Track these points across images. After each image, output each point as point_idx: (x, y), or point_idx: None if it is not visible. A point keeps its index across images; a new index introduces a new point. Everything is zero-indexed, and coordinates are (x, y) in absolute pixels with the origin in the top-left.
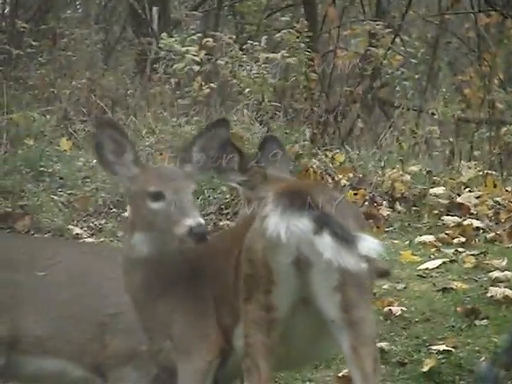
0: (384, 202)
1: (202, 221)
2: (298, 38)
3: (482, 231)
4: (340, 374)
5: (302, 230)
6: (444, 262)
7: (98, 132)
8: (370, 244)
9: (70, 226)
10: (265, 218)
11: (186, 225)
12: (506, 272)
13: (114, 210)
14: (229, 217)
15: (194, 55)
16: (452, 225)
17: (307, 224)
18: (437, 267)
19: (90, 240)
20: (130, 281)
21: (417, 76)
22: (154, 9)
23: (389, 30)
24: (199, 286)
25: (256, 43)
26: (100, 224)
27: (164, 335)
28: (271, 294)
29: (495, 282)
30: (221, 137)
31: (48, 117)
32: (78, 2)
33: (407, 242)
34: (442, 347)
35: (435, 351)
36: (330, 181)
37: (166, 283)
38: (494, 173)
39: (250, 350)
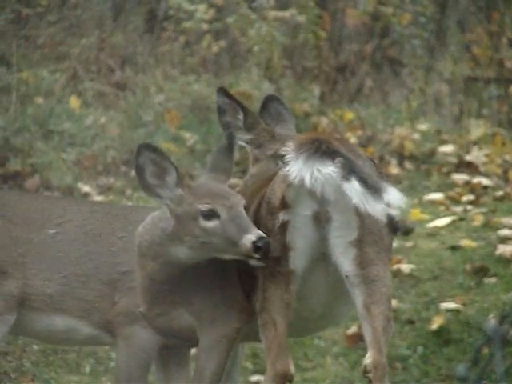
0: (393, 160)
1: (263, 234)
2: None
3: (490, 189)
4: (349, 332)
5: (328, 175)
6: (453, 220)
7: (137, 156)
8: (394, 195)
9: (79, 185)
10: (286, 166)
11: (249, 240)
12: None
13: (122, 168)
14: (238, 175)
15: (203, 13)
16: (461, 183)
17: (334, 170)
18: (446, 225)
19: (99, 198)
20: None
21: (426, 34)
22: None
23: None
24: None
25: (265, 1)
26: (109, 182)
27: (174, 302)
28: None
29: (504, 239)
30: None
31: (57, 75)
32: None
33: (416, 201)
34: (451, 305)
35: (444, 309)
36: None
37: None
38: (502, 131)
39: (267, 304)
